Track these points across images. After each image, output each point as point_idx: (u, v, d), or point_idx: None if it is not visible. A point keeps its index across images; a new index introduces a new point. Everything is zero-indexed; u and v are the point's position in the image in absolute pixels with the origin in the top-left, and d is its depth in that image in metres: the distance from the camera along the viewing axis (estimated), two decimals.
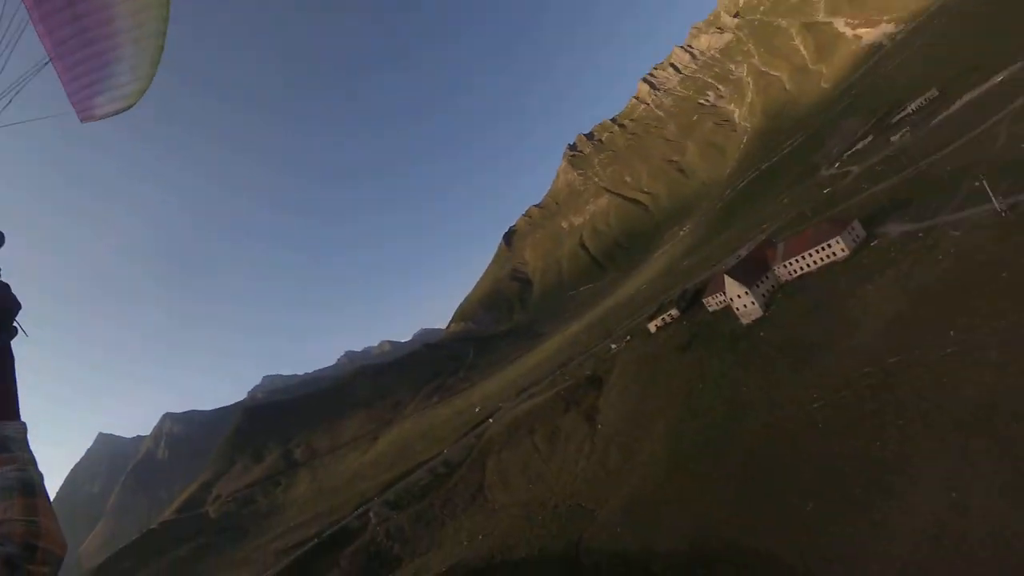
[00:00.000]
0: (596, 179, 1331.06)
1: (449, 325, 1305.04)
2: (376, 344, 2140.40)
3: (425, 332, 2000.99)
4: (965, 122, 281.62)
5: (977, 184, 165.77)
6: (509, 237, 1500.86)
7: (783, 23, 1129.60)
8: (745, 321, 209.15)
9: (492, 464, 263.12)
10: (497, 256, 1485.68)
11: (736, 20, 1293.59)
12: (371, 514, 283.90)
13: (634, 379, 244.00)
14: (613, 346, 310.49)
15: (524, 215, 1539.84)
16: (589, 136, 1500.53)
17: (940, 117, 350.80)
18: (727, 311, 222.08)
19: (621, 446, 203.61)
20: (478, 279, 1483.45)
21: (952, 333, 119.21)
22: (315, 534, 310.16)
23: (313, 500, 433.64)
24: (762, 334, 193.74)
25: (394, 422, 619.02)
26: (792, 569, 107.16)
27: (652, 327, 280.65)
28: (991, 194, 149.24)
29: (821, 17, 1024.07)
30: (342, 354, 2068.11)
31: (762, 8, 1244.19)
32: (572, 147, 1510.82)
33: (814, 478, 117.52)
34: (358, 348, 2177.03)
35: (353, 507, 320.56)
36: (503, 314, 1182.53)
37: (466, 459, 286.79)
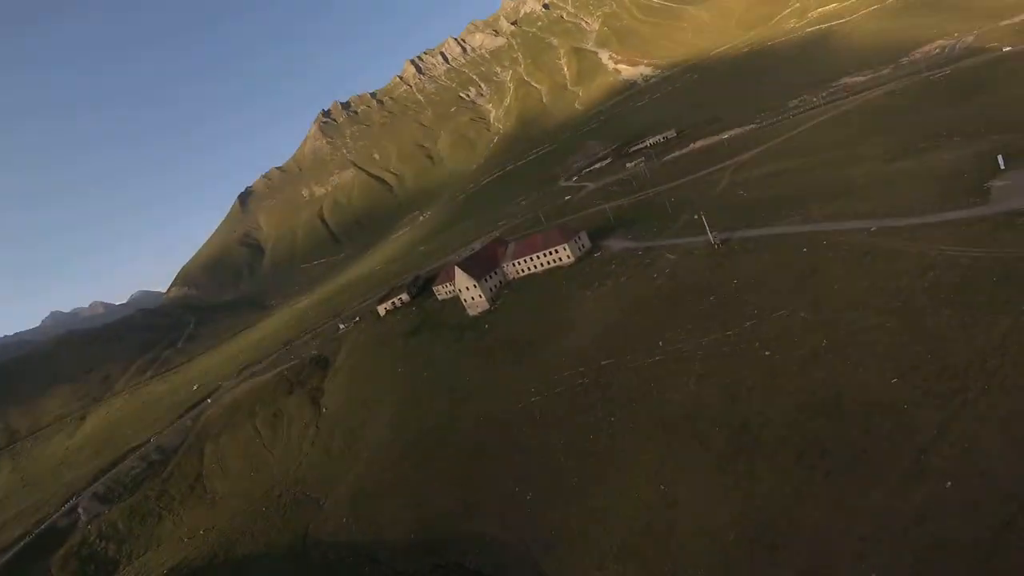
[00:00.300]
0: (345, 151, 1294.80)
1: (170, 289, 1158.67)
2: (87, 305, 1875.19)
3: (144, 295, 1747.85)
4: (695, 163, 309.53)
5: (696, 217, 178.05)
6: (245, 198, 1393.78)
7: (554, 42, 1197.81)
8: (472, 313, 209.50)
9: (211, 450, 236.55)
10: (229, 217, 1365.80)
11: (513, 28, 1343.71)
12: (80, 510, 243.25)
13: (361, 362, 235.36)
14: (342, 326, 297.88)
15: (264, 176, 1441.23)
16: (345, 105, 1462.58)
17: (674, 155, 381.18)
18: (456, 301, 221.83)
19: (346, 431, 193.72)
20: (206, 240, 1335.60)
21: (661, 344, 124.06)
22: (18, 537, 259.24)
23: (14, 494, 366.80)
24: (487, 327, 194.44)
25: (103, 399, 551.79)
26: (514, 552, 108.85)
27: (382, 310, 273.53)
28: (707, 227, 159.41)
29: (589, 46, 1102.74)
30: (47, 315, 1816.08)
31: (539, 24, 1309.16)
32: (326, 113, 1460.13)
33: (532, 468, 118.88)
34: (66, 309, 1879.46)
35: (60, 502, 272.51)
36: (229, 281, 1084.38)
37: (182, 444, 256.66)
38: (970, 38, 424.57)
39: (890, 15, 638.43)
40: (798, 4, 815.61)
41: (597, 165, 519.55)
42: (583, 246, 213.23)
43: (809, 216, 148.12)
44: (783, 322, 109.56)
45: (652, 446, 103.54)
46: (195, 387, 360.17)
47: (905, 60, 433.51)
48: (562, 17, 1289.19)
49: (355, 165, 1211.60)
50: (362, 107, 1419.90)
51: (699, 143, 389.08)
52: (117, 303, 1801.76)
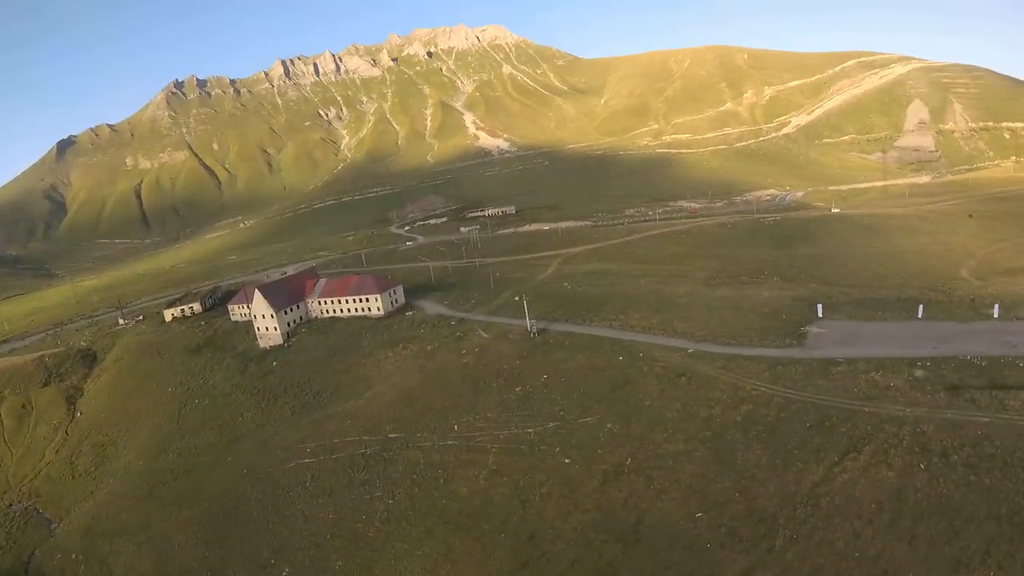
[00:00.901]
0: (185, 130, 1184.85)
1: None
2: None
3: None
4: (527, 244, 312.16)
5: (517, 299, 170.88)
6: (64, 147, 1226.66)
7: (426, 90, 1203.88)
8: (263, 345, 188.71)
9: None
10: (41, 162, 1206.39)
11: (391, 64, 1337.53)
12: None
13: (131, 369, 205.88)
14: (122, 321, 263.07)
15: (92, 129, 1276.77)
16: (201, 83, 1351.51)
17: (509, 230, 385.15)
18: (249, 327, 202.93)
19: (97, 447, 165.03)
20: (5, 180, 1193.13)
21: (457, 427, 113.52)
22: None
23: None
24: (275, 364, 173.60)
25: None
26: None
27: (169, 315, 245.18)
28: (527, 313, 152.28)
29: (458, 105, 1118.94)
30: None
31: (417, 68, 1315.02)
32: (178, 84, 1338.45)
33: (294, 539, 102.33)
34: None
35: None
36: (20, 236, 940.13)
37: None
38: (799, 193, 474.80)
39: (732, 157, 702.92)
40: (656, 126, 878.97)
41: (433, 221, 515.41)
42: (396, 301, 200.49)
43: (629, 323, 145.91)
44: (589, 430, 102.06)
45: (430, 542, 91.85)
46: None
47: (739, 199, 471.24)
48: (441, 70, 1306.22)
49: (190, 149, 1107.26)
50: (217, 91, 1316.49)
51: (535, 226, 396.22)
52: None
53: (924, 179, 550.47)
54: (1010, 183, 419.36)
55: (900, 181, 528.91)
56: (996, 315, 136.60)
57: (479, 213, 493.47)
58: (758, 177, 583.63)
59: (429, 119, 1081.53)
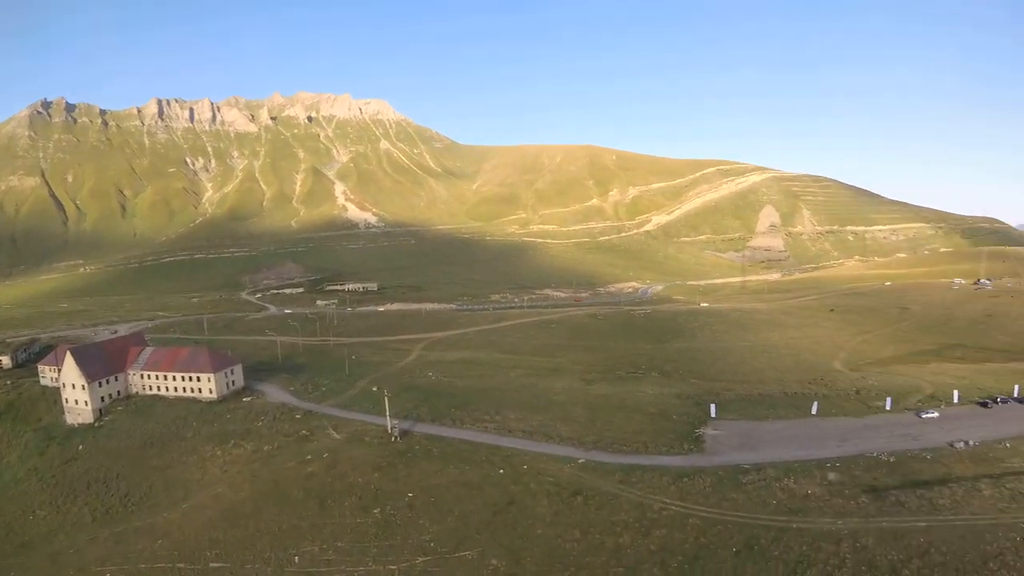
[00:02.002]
0: (41, 156, 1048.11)
1: None
2: None
3: None
4: (388, 325, 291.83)
5: (375, 390, 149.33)
6: None
7: (301, 155, 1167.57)
8: (71, 420, 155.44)
9: None
10: None
11: (270, 122, 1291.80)
12: None
13: None
14: None
15: None
16: (70, 108, 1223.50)
17: (369, 308, 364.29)
18: (59, 395, 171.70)
19: None
20: None
21: (297, 559, 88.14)
22: None
23: None
24: (81, 448, 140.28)
25: None
26: None
27: None
28: (388, 411, 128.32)
29: (330, 174, 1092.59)
30: None
31: (295, 131, 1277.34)
32: (45, 104, 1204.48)
33: None
34: None
35: None
36: None
37: None
38: (660, 287, 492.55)
39: (595, 250, 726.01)
40: (524, 215, 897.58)
41: (288, 290, 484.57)
42: (233, 383, 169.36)
43: (506, 426, 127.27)
44: (469, 569, 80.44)
45: None
46: None
47: (603, 290, 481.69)
48: (319, 136, 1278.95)
49: (43, 176, 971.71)
50: (84, 119, 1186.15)
51: (397, 305, 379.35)
52: None
53: (775, 276, 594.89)
54: (860, 280, 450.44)
55: (755, 277, 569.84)
56: (888, 407, 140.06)
57: (339, 287, 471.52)
58: (619, 270, 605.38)
59: (299, 183, 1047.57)
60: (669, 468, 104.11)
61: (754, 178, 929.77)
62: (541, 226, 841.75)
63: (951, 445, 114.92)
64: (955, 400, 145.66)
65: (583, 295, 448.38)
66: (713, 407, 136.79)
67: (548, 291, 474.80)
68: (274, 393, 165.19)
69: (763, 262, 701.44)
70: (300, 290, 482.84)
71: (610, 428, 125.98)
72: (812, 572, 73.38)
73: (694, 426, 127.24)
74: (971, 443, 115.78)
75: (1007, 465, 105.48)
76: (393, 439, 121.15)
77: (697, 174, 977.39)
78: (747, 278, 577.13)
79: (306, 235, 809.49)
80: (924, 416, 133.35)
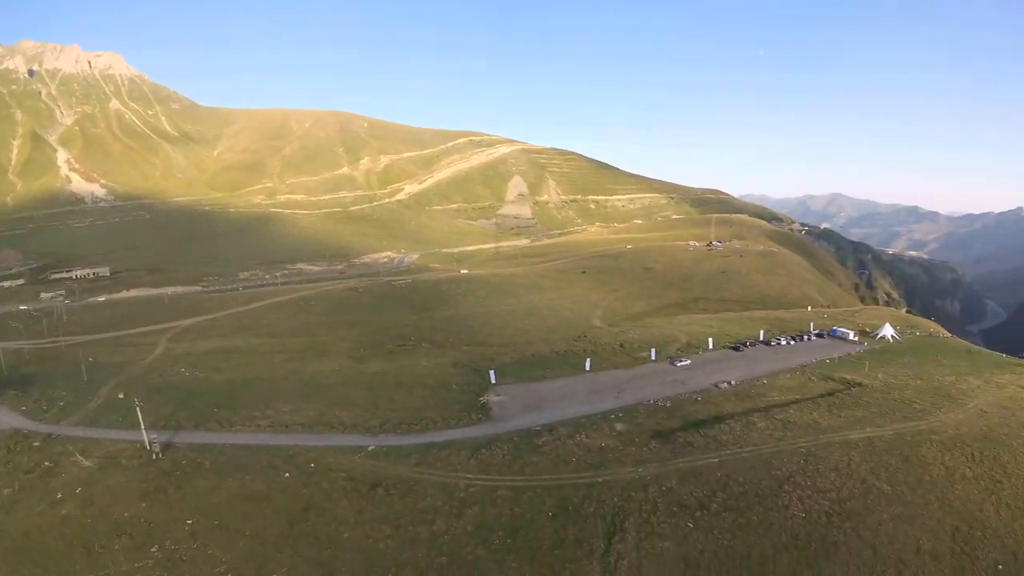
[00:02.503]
0: None
1: None
2: None
3: None
4: (126, 316, 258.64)
5: (122, 397, 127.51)
6: None
7: (18, 116, 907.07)
8: None
9: None
10: None
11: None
12: None
13: None
14: None
15: None
16: None
17: (102, 297, 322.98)
18: None
19: None
20: None
21: None
22: None
23: None
24: None
25: None
26: None
27: None
28: (142, 423, 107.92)
29: (52, 139, 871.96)
30: None
31: (14, 87, 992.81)
32: None
33: None
34: None
35: None
36: None
37: None
38: (415, 256, 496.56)
39: (346, 220, 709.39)
40: (271, 184, 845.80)
41: (6, 283, 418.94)
42: None
43: (280, 421, 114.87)
44: None
45: None
46: None
47: (358, 261, 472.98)
48: (41, 93, 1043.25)
49: None
50: None
51: (135, 291, 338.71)
52: None
53: (524, 242, 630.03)
54: (605, 243, 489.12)
55: (506, 243, 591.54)
56: (653, 357, 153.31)
57: (65, 275, 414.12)
58: (373, 240, 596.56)
59: (15, 151, 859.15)
60: (464, 441, 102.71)
61: (503, 149, 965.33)
62: (289, 196, 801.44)
63: (716, 386, 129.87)
64: (710, 347, 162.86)
65: (339, 267, 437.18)
66: (492, 373, 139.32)
67: (301, 265, 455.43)
68: (3, 417, 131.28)
69: (512, 229, 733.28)
70: (21, 282, 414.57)
71: (393, 408, 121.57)
72: (630, 521, 76.11)
73: (477, 394, 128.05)
74: (733, 383, 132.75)
75: (769, 399, 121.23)
76: (154, 456, 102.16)
77: (449, 144, 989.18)
78: (500, 244, 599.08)
79: (25, 214, 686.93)
80: (678, 364, 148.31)
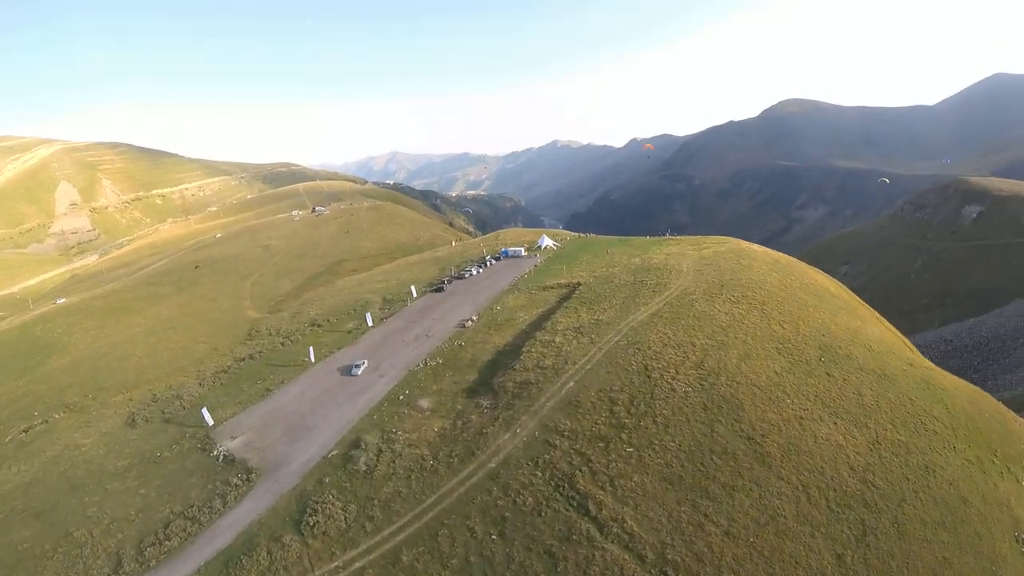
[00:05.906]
0: None
1: None
2: None
3: None
4: None
5: None
6: None
7: None
8: None
9: None
10: None
11: None
12: None
13: None
14: None
15: None
16: None
17: None
18: None
19: None
20: None
21: None
22: None
23: None
24: None
25: None
26: None
27: None
28: None
29: None
30: None
31: None
32: None
33: None
34: None
35: None
36: None
37: None
38: None
39: None
40: None
41: None
42: None
43: None
44: None
45: None
46: None
47: None
48: None
49: None
50: None
51: None
52: None
53: (92, 259, 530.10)
54: (192, 236, 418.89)
55: (75, 265, 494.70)
56: (370, 323, 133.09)
57: None
58: None
59: None
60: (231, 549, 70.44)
61: (42, 152, 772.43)
62: None
63: (463, 326, 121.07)
64: (414, 295, 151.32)
65: None
66: (204, 411, 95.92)
67: None
68: None
69: (74, 247, 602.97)
70: None
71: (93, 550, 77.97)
72: None
73: (204, 450, 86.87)
74: (475, 319, 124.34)
75: (525, 320, 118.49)
76: None
77: None
78: (73, 267, 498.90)
79: None
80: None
